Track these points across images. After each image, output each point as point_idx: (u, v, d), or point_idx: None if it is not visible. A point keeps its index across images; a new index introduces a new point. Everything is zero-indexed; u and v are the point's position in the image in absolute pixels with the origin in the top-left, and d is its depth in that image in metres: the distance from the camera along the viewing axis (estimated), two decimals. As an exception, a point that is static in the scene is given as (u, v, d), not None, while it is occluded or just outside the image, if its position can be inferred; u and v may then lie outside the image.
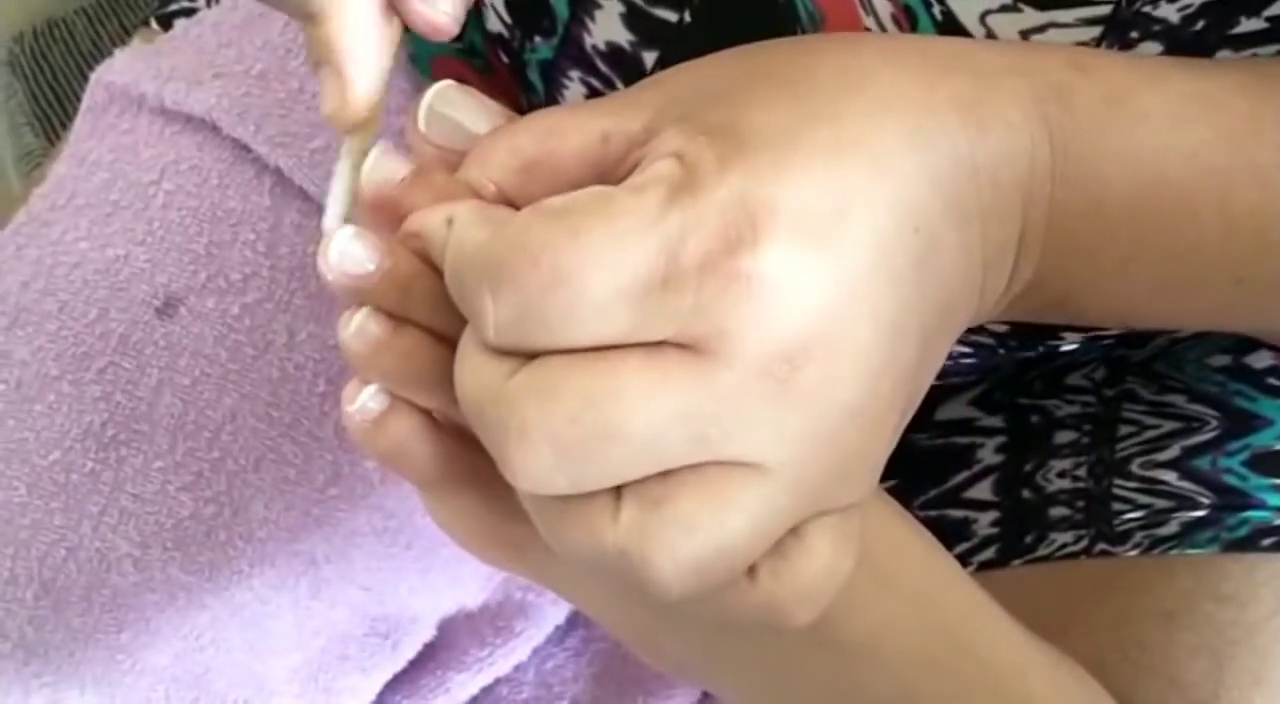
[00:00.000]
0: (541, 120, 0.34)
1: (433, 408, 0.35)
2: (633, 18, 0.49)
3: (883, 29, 0.45)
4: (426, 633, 0.54)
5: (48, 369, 0.50)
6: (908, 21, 0.44)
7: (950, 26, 0.43)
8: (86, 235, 0.51)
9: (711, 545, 0.31)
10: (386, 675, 0.53)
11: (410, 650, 0.54)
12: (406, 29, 0.60)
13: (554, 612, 0.57)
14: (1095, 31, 0.42)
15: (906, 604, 0.38)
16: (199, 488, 0.49)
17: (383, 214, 0.34)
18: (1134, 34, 0.42)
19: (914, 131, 0.32)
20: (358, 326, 0.34)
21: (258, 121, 0.52)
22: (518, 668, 0.58)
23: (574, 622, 0.59)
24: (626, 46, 0.50)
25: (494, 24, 0.55)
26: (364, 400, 0.34)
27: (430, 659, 0.56)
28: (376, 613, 0.51)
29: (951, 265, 0.33)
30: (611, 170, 0.33)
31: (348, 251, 0.33)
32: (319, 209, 0.52)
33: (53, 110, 0.75)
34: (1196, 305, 0.39)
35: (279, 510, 0.49)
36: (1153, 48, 0.42)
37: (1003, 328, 0.53)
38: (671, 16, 0.48)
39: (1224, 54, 0.41)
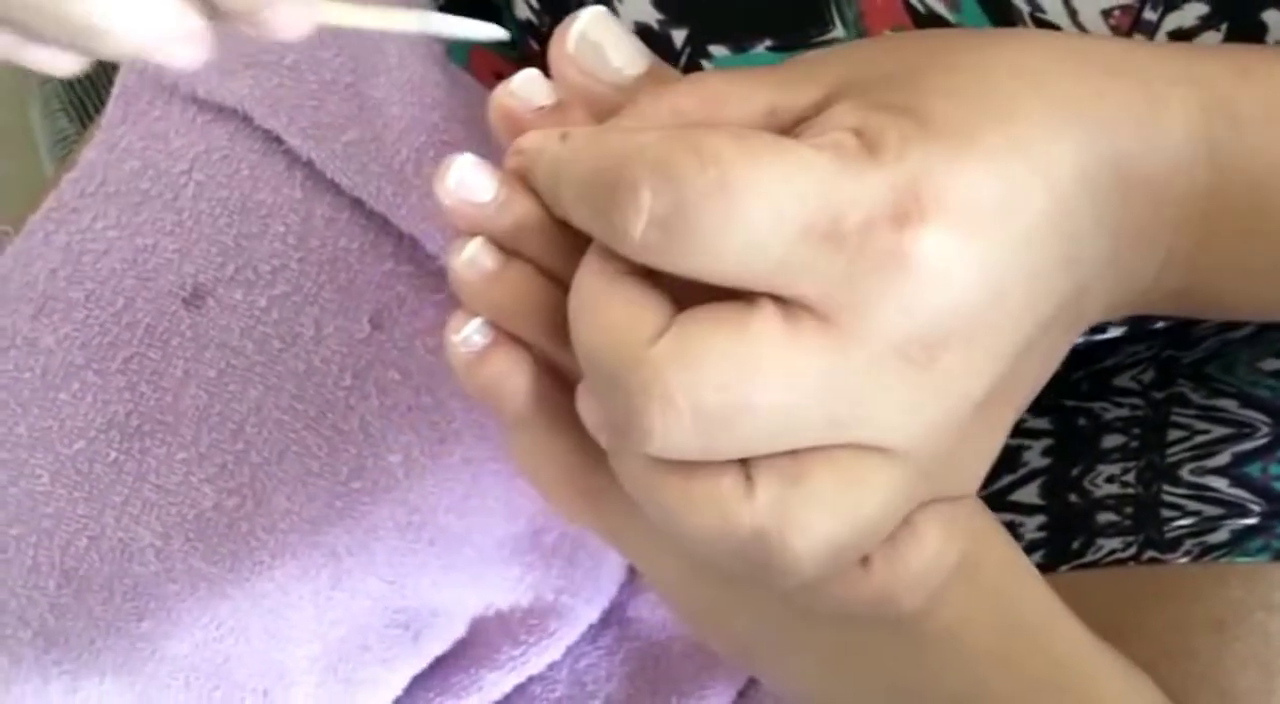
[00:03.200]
0: (706, 86, 0.35)
1: (534, 343, 0.36)
2: None
3: None
4: (454, 629, 0.55)
5: (73, 358, 0.51)
6: None
7: None
8: (115, 224, 0.52)
9: (848, 527, 0.32)
10: (410, 669, 0.54)
11: (434, 645, 0.54)
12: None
13: (588, 611, 0.58)
14: None
15: (985, 598, 0.39)
16: (222, 479, 0.50)
17: (511, 135, 0.35)
18: None
19: (1083, 139, 0.33)
20: (470, 257, 0.35)
21: (290, 113, 0.53)
22: (551, 666, 0.58)
23: (608, 620, 0.59)
24: (655, 25, 0.50)
25: (522, 11, 0.56)
26: (469, 332, 0.36)
27: (462, 656, 0.56)
28: (398, 605, 0.52)
29: (1093, 273, 0.34)
30: None
31: (466, 179, 0.35)
32: (350, 203, 0.53)
33: (87, 95, 0.76)
34: None
35: (301, 503, 0.50)
36: (1198, 8, 0.42)
37: None
38: None
39: (1271, 14, 0.42)
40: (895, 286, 0.31)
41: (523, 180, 0.35)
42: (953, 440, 0.32)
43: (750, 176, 0.30)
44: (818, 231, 0.30)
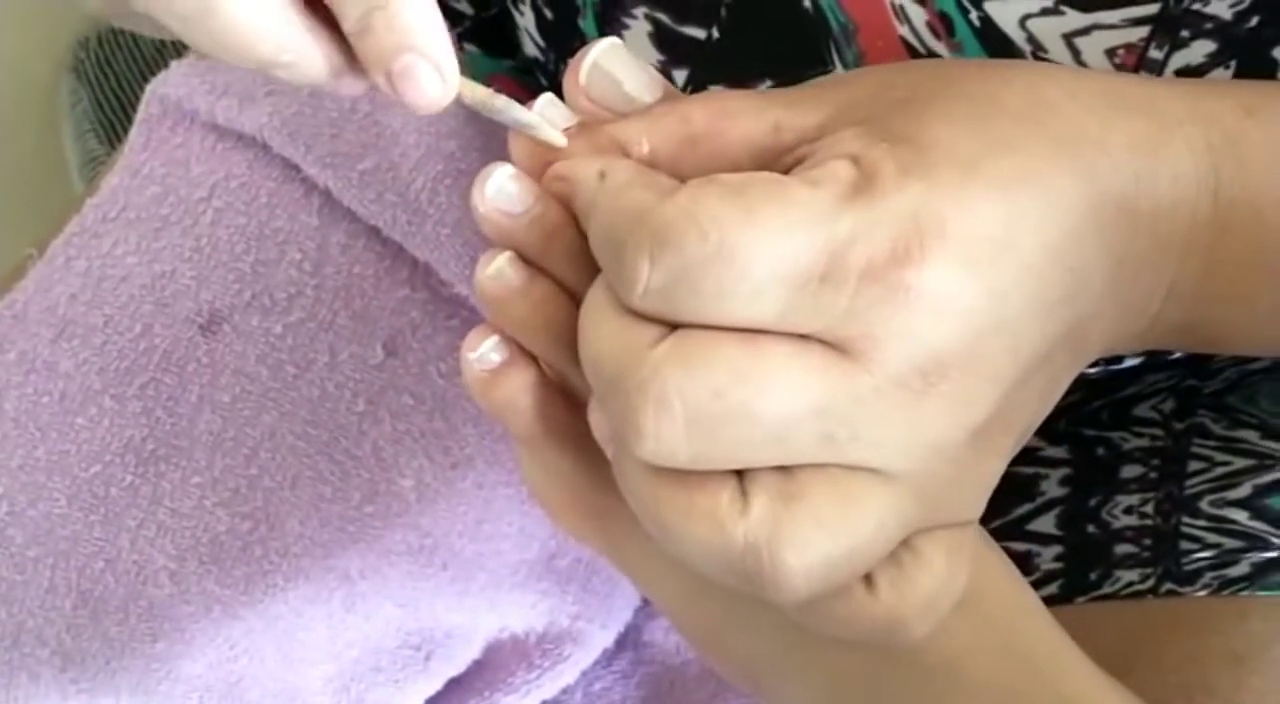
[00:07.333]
0: (716, 99, 0.36)
1: (550, 362, 0.37)
2: (661, 37, 0.51)
3: (918, 36, 0.46)
4: (468, 652, 0.56)
5: (91, 382, 0.53)
6: (944, 28, 0.45)
7: (990, 32, 0.45)
8: (135, 250, 0.54)
9: (842, 545, 0.33)
10: (422, 691, 0.55)
11: (447, 667, 0.56)
12: (463, 48, 0.62)
13: (603, 636, 0.59)
14: (1143, 31, 0.43)
15: (990, 629, 0.40)
16: (236, 504, 0.52)
17: (536, 160, 0.37)
18: (1185, 33, 0.43)
19: (1087, 173, 0.35)
20: (497, 269, 0.36)
21: (308, 141, 0.54)
22: (565, 690, 0.59)
23: (623, 644, 0.60)
24: (656, 66, 0.52)
25: (529, 48, 0.57)
26: (486, 349, 0.37)
27: (477, 679, 0.58)
28: (411, 627, 0.54)
29: (1094, 305, 0.35)
30: (775, 161, 0.36)
31: (504, 189, 0.36)
32: (366, 230, 0.55)
33: (116, 116, 0.78)
34: None
35: (314, 527, 0.52)
36: (1205, 46, 0.44)
37: None
38: (700, 33, 0.50)
39: None
40: (898, 321, 0.32)
41: (560, 200, 0.36)
42: (948, 466, 0.34)
43: (749, 237, 0.31)
44: (818, 275, 0.32)
